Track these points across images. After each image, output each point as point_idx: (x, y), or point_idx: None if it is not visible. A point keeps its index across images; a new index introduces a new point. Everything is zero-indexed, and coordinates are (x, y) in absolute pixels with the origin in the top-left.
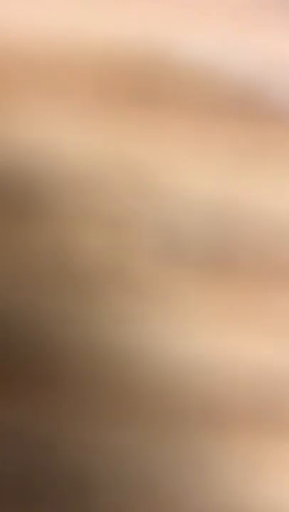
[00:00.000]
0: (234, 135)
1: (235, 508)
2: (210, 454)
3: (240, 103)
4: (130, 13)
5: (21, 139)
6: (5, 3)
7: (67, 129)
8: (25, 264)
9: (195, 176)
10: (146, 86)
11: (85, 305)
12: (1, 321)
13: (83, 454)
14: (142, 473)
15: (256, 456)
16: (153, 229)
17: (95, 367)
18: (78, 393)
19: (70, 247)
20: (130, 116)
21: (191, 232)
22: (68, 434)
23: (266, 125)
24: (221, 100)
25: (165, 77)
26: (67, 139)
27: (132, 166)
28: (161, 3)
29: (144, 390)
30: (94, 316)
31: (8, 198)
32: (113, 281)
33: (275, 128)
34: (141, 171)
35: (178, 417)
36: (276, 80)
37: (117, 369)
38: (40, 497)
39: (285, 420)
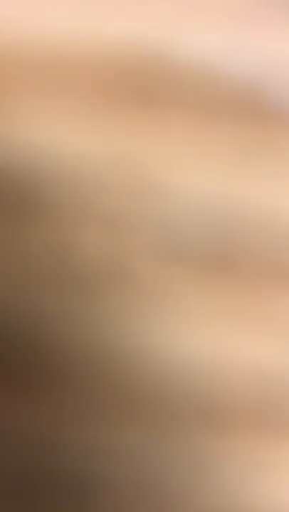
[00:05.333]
0: (234, 135)
1: (235, 509)
2: (210, 454)
3: (240, 103)
4: (130, 13)
5: (21, 139)
6: (5, 3)
7: (67, 129)
8: (25, 264)
9: (195, 175)
10: (146, 86)
11: (85, 305)
12: (1, 321)
13: (83, 453)
14: (142, 474)
15: (256, 456)
16: (153, 229)
17: (94, 366)
18: (78, 393)
19: (70, 246)
20: (130, 116)
21: (191, 231)
22: (68, 434)
23: (266, 125)
24: (221, 100)
25: (165, 77)
26: (67, 139)
27: (132, 165)
28: (161, 3)
29: (144, 389)
30: (94, 316)
31: (8, 197)
32: (113, 280)
33: (275, 128)
34: (141, 171)
35: (178, 417)
36: (276, 79)
37: (117, 369)
38: (40, 497)
39: (285, 420)
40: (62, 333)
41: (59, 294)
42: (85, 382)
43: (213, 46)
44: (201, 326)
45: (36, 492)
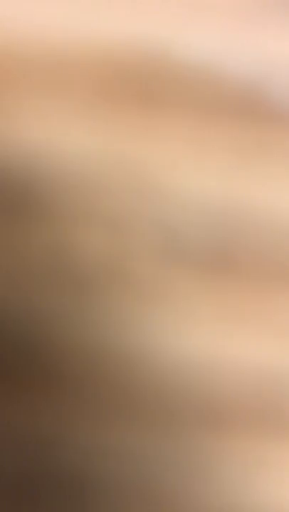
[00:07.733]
0: (234, 135)
1: (235, 508)
2: (210, 454)
3: (240, 103)
4: (130, 13)
5: (21, 138)
6: (5, 3)
7: (68, 129)
8: (25, 264)
9: (195, 175)
10: (146, 86)
11: (84, 305)
12: (1, 320)
13: (83, 453)
14: (141, 473)
15: (256, 456)
16: (153, 228)
17: (94, 366)
18: (77, 393)
19: (70, 246)
20: (130, 116)
21: (191, 231)
22: (68, 434)
23: (266, 125)
24: (221, 100)
25: (165, 77)
26: (68, 139)
27: (132, 165)
28: (161, 3)
29: (143, 389)
30: (93, 316)
31: (9, 197)
32: (113, 280)
33: (275, 128)
34: (141, 171)
35: (178, 417)
36: (276, 79)
37: (116, 369)
38: (39, 497)
39: (285, 420)
40: (62, 333)
41: (59, 293)
42: (84, 382)
43: (213, 46)
44: (201, 326)
45: (36, 492)
